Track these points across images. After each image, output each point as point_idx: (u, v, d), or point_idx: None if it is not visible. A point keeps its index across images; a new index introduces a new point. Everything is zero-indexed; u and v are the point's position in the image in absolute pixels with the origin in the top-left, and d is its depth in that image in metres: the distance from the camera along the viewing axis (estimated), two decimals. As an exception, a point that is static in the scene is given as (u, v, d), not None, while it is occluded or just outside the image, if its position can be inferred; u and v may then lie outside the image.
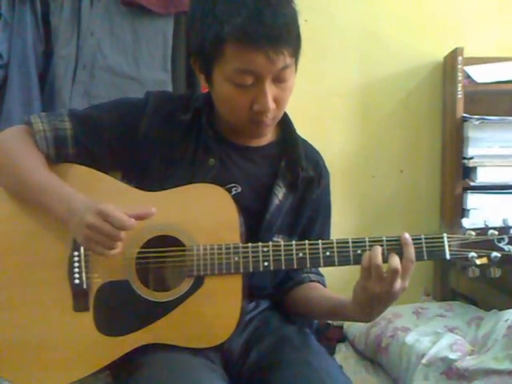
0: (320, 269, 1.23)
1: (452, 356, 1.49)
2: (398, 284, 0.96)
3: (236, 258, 1.02)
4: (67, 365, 1.04)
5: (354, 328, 1.90)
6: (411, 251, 0.98)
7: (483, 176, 2.07)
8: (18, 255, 1.07)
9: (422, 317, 1.84)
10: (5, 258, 1.07)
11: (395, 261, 0.97)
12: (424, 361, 1.51)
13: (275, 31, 0.96)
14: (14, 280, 1.06)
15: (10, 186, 1.10)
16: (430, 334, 1.63)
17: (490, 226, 1.02)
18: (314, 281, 1.20)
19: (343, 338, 1.94)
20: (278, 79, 1.02)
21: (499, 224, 1.02)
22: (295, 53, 1.03)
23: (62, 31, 1.85)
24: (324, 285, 1.22)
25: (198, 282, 1.03)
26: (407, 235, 0.99)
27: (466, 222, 1.03)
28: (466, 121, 2.10)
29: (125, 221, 0.95)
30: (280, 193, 1.13)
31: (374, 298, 0.98)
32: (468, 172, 2.12)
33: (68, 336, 1.04)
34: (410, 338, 1.63)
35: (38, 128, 1.10)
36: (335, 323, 1.98)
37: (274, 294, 1.21)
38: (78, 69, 1.86)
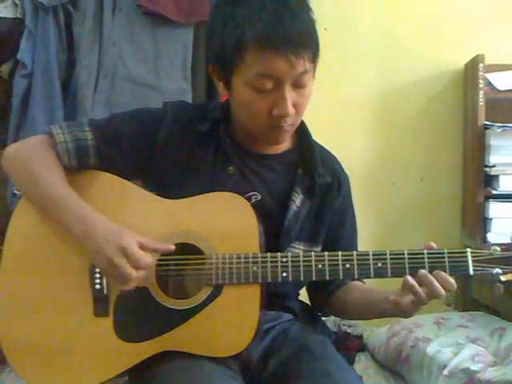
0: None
1: (474, 367, 1.46)
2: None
3: (255, 268, 1.02)
4: (86, 369, 1.05)
5: (373, 338, 1.88)
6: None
7: (505, 184, 2.03)
8: (41, 259, 1.08)
9: (443, 327, 1.81)
10: (29, 262, 1.09)
11: (439, 290, 0.98)
12: (445, 372, 1.49)
13: (296, 35, 0.98)
14: (37, 283, 1.07)
15: (29, 197, 1.11)
16: (451, 344, 1.61)
17: None
18: (354, 279, 1.20)
19: (363, 348, 1.92)
20: (298, 84, 1.03)
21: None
22: (314, 58, 1.04)
23: (85, 41, 1.89)
24: (362, 281, 1.22)
25: (217, 291, 1.03)
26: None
27: (491, 237, 1.01)
28: (487, 128, 2.07)
29: (142, 260, 0.99)
30: (297, 199, 1.14)
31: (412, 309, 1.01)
32: (490, 180, 2.09)
33: (87, 340, 1.05)
34: (431, 349, 1.60)
35: (59, 139, 1.11)
36: (354, 333, 1.96)
37: (317, 299, 1.23)
38: (99, 78, 1.88)
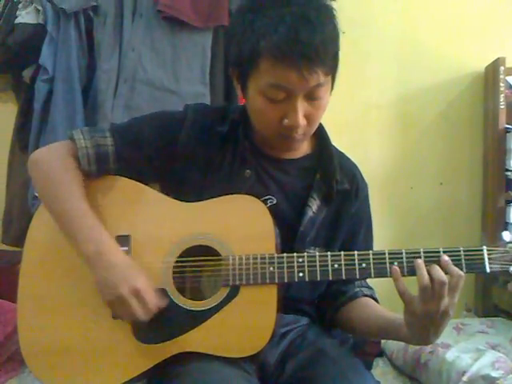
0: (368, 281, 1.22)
1: (494, 374, 1.45)
2: (447, 299, 0.94)
3: (271, 269, 1.02)
4: (104, 371, 1.05)
5: (392, 343, 1.86)
6: (453, 267, 0.96)
7: (527, 188, 2.02)
8: (60, 262, 1.09)
9: (462, 333, 1.79)
10: (48, 265, 1.10)
11: (440, 272, 0.95)
12: (465, 378, 1.48)
13: (310, 50, 0.97)
14: (56, 286, 1.09)
15: (46, 205, 1.11)
16: (471, 350, 1.59)
17: None
18: (366, 295, 1.18)
19: (381, 353, 1.90)
20: (311, 96, 1.02)
21: (542, 237, 0.99)
22: (331, 71, 1.03)
23: (105, 46, 1.91)
24: (376, 299, 1.19)
25: (234, 292, 1.03)
26: (446, 257, 0.97)
27: (506, 236, 1.00)
28: (508, 132, 2.06)
29: (152, 310, 1.01)
30: (314, 205, 1.13)
31: (426, 321, 0.97)
32: (511, 184, 2.07)
33: (106, 342, 1.06)
34: (450, 355, 1.59)
35: (80, 145, 1.12)
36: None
37: (326, 309, 1.20)
38: (119, 82, 1.91)
